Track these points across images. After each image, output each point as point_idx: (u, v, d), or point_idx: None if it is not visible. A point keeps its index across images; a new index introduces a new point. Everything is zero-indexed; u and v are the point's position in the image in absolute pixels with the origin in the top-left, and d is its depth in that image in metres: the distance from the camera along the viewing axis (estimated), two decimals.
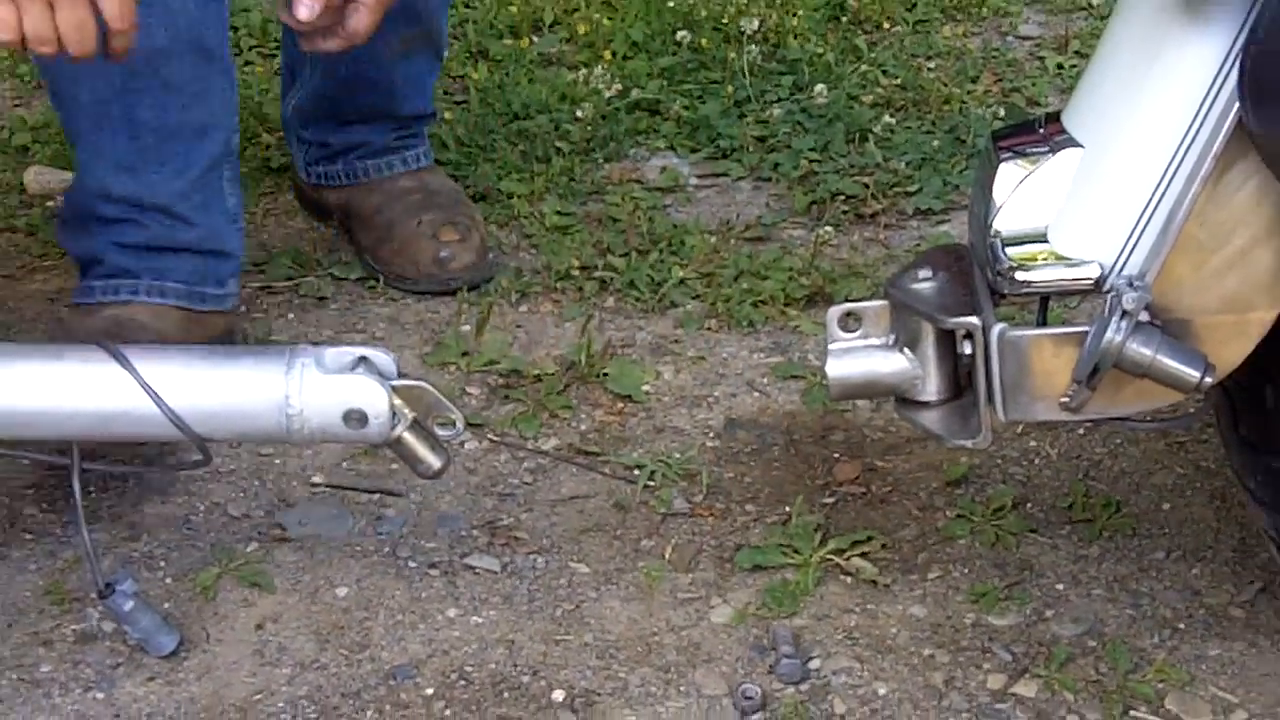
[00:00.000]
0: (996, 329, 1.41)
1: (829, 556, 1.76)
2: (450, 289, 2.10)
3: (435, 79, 2.23)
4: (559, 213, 2.26)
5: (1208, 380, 1.37)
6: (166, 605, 1.72)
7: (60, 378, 1.47)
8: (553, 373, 2.00)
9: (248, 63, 2.58)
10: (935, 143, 2.36)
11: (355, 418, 1.46)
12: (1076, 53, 2.55)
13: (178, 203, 1.86)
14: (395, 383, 1.48)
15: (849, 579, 1.74)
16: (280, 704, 1.62)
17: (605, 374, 2.00)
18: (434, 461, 1.51)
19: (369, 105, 2.15)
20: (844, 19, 2.67)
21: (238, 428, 1.49)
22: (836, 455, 1.88)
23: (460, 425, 1.51)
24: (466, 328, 2.07)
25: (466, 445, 1.90)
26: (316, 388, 1.46)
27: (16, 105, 2.57)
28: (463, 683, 1.63)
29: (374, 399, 1.46)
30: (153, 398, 1.45)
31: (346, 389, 1.46)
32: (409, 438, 1.49)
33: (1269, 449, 1.49)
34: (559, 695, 1.62)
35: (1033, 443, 1.89)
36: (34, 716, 1.60)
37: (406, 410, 1.49)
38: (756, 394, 1.98)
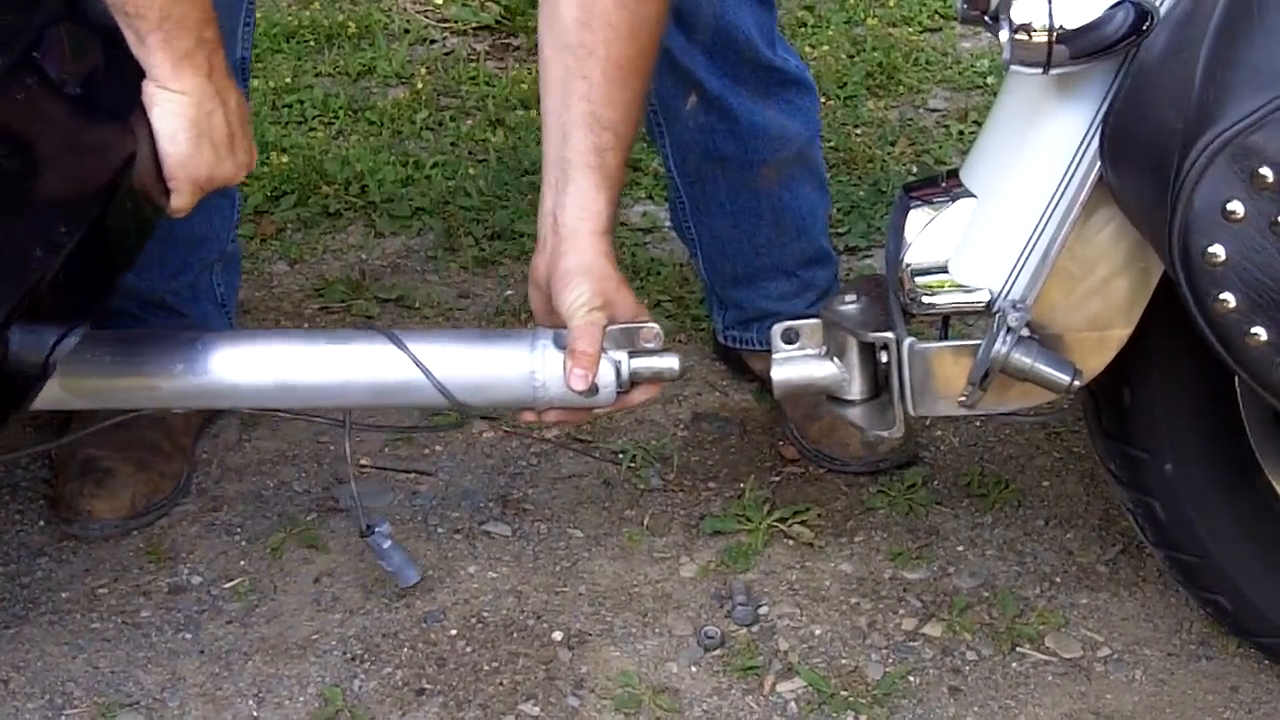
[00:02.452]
0: (907, 342, 1.40)
1: (775, 524, 1.75)
2: (879, 469, 1.80)
3: (826, 214, 1.88)
4: None
5: (1076, 384, 1.36)
6: (242, 563, 1.71)
7: (347, 357, 1.43)
8: None
9: (311, 129, 2.56)
10: (861, 193, 2.35)
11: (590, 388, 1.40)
12: (974, 122, 2.54)
13: (170, 297, 1.78)
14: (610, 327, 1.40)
15: (791, 542, 1.74)
16: (333, 642, 1.61)
17: None
18: (674, 364, 1.42)
19: (765, 241, 1.84)
20: None
21: (492, 397, 1.43)
22: (781, 442, 1.87)
23: (659, 329, 1.42)
24: None
25: (484, 434, 1.89)
26: (557, 362, 1.40)
27: None
28: (480, 625, 1.63)
29: (606, 373, 1.40)
30: (425, 373, 1.40)
31: None
32: (638, 366, 1.41)
33: (1125, 439, 1.48)
34: (558, 635, 1.61)
35: (938, 432, 1.89)
36: (135, 653, 1.59)
37: (620, 355, 1.41)
38: (717, 393, 1.97)
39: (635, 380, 1.42)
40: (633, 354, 1.42)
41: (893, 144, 2.49)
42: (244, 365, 1.41)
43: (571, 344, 1.39)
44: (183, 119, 1.30)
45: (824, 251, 1.88)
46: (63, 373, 1.36)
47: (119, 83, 1.30)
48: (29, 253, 1.16)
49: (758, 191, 1.80)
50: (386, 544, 1.58)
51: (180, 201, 1.34)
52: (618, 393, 1.42)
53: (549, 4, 1.41)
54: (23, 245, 1.17)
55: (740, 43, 1.73)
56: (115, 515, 1.73)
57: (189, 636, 1.61)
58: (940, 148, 2.48)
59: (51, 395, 1.37)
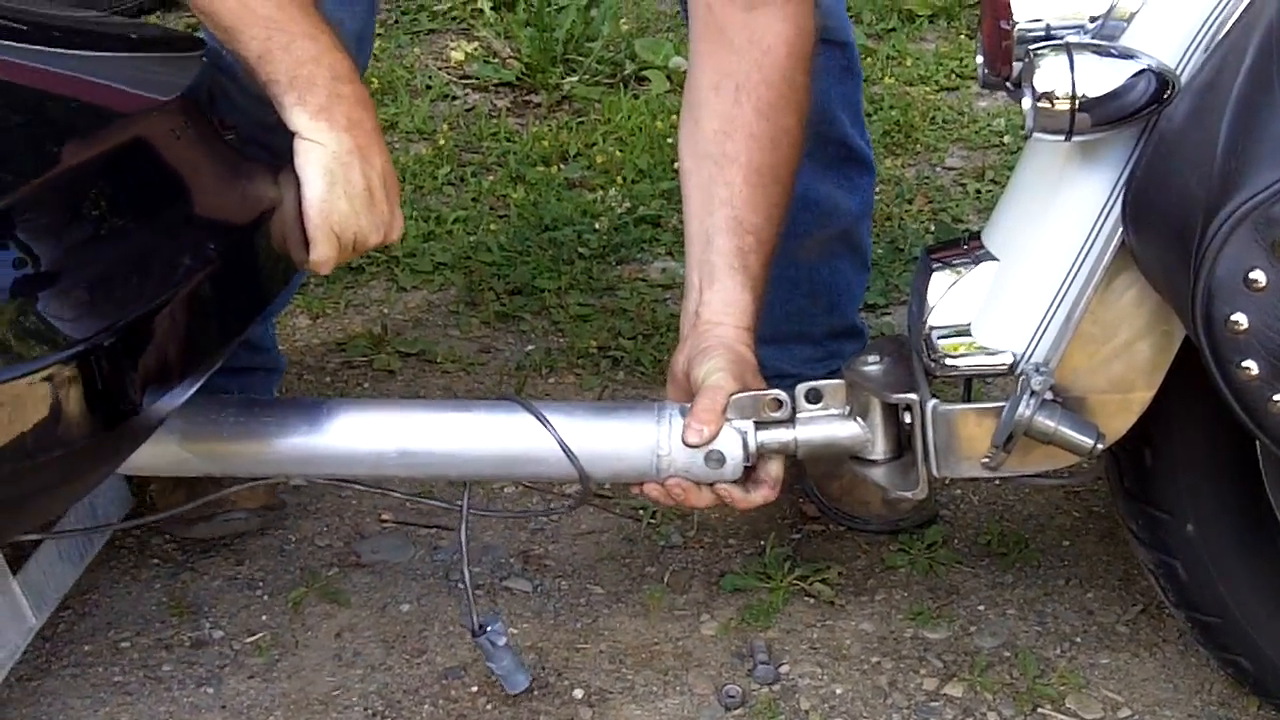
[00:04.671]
0: (931, 403, 1.41)
1: (796, 581, 1.75)
2: (899, 528, 1.81)
3: (862, 292, 1.90)
4: (580, 304, 2.26)
5: (1100, 447, 1.37)
6: (264, 617, 1.71)
7: (473, 425, 1.41)
8: None
9: None
10: (879, 251, 2.37)
11: (715, 459, 1.39)
12: (991, 180, 2.56)
13: (258, 339, 1.81)
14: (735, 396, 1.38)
15: (812, 600, 1.74)
16: (354, 698, 1.61)
17: None
18: (801, 436, 1.39)
19: (796, 309, 1.83)
20: None
21: (615, 468, 1.41)
22: (802, 500, 1.87)
23: (785, 395, 1.40)
24: None
25: (505, 489, 1.90)
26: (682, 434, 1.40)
27: None
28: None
29: (733, 445, 1.39)
30: (560, 445, 1.38)
31: None
32: (765, 438, 1.40)
33: (1147, 499, 1.48)
34: (579, 693, 1.61)
35: (958, 492, 1.89)
36: (156, 707, 1.60)
37: (746, 425, 1.39)
38: None
39: (762, 451, 1.40)
40: (759, 425, 1.40)
41: (910, 202, 2.51)
42: (367, 431, 1.39)
43: (695, 401, 1.39)
44: (318, 165, 1.33)
45: (854, 328, 1.89)
46: (185, 434, 1.36)
47: (270, 136, 1.35)
48: (155, 271, 1.17)
49: (797, 261, 1.80)
50: (501, 642, 1.52)
51: (318, 253, 1.35)
52: (745, 466, 1.40)
53: (690, 117, 1.47)
54: (149, 262, 1.17)
55: (818, 114, 1.71)
56: (257, 504, 1.75)
57: (210, 691, 1.61)
58: (957, 206, 2.50)
59: (171, 456, 1.37)
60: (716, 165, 1.44)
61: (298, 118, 1.32)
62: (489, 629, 1.51)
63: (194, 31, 2.00)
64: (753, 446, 1.41)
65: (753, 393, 1.41)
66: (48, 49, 1.38)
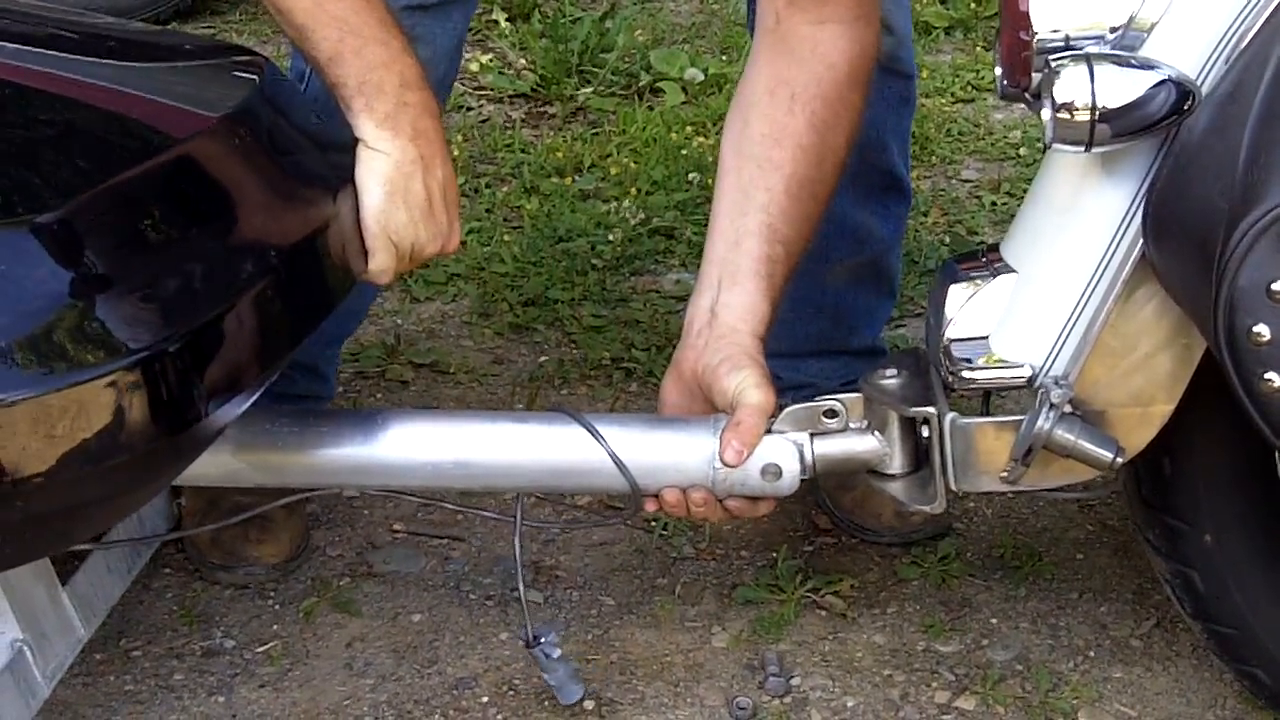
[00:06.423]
0: (949, 417, 1.39)
1: (808, 594, 1.73)
2: (911, 541, 1.79)
3: (886, 317, 1.89)
4: (594, 315, 2.25)
5: (1119, 461, 1.35)
6: (275, 627, 1.70)
7: (527, 437, 1.40)
8: None
9: None
10: None
11: (771, 472, 1.37)
12: (1007, 193, 2.54)
13: (323, 365, 1.81)
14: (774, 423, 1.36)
15: (824, 612, 1.72)
16: (365, 708, 1.59)
17: None
18: (870, 444, 1.39)
19: (817, 331, 1.83)
20: None
21: (671, 480, 1.39)
22: (815, 512, 1.86)
23: (841, 406, 1.39)
24: (520, 407, 2.06)
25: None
26: None
27: None
28: (512, 693, 1.61)
29: (789, 457, 1.37)
30: (612, 457, 1.37)
31: (767, 448, 1.37)
32: (824, 449, 1.39)
33: (1165, 509, 1.47)
34: (589, 704, 1.60)
35: (970, 504, 1.87)
36: (167, 716, 1.59)
37: (802, 438, 1.38)
38: None
39: (821, 465, 1.39)
40: (815, 435, 1.39)
41: (925, 214, 2.49)
42: (424, 442, 1.39)
43: (736, 416, 1.36)
44: (379, 174, 1.32)
45: (874, 348, 1.87)
46: (239, 444, 1.36)
47: (331, 144, 1.35)
48: (218, 278, 1.18)
49: (824, 286, 1.79)
50: (555, 654, 1.51)
51: (377, 262, 1.34)
52: (802, 479, 1.38)
53: (739, 118, 1.44)
54: (213, 268, 1.18)
55: (870, 141, 1.70)
56: (278, 558, 1.74)
57: (221, 700, 1.60)
58: (973, 218, 2.48)
59: (224, 466, 1.36)
60: (760, 169, 1.42)
61: (364, 124, 1.31)
62: (543, 640, 1.50)
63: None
64: (810, 459, 1.39)
65: (808, 404, 1.39)
66: (113, 61, 1.38)
